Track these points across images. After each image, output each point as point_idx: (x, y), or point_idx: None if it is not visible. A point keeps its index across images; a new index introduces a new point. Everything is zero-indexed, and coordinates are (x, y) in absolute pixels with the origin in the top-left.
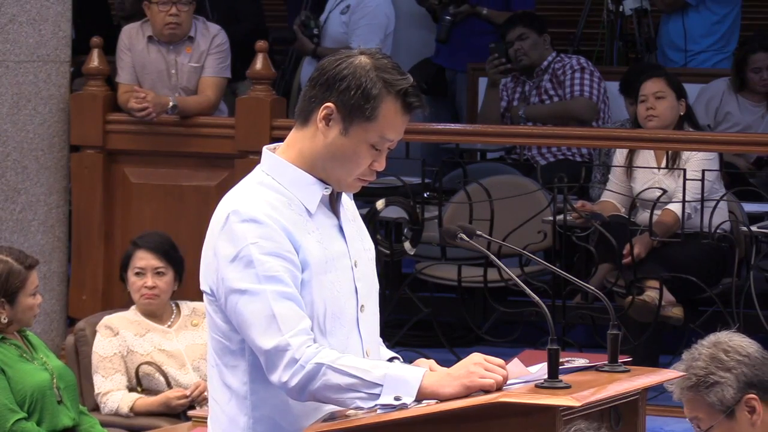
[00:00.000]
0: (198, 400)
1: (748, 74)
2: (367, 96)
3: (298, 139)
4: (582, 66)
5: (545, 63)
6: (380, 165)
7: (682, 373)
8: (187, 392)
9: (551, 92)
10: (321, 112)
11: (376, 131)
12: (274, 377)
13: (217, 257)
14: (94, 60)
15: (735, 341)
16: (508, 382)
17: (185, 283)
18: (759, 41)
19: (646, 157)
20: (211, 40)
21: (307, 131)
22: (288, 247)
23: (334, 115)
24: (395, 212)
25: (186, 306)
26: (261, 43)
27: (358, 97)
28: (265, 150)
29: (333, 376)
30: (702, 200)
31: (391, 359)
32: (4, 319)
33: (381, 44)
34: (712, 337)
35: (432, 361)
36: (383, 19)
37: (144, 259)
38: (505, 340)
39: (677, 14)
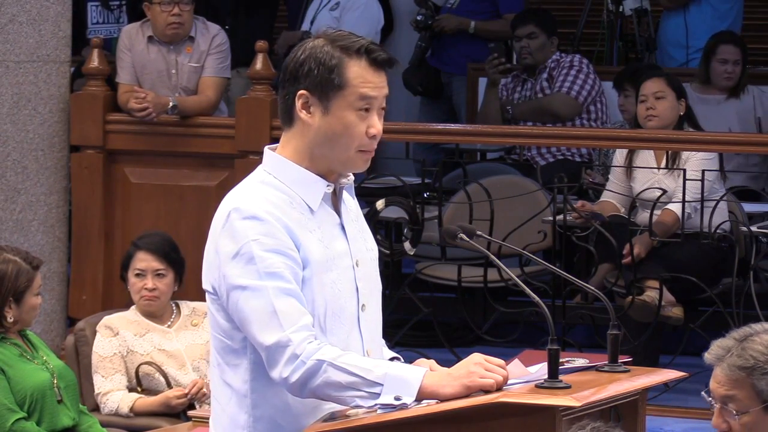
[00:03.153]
0: (197, 398)
1: (714, 64)
2: (330, 68)
3: (289, 138)
4: (573, 64)
5: (547, 62)
6: (376, 128)
7: (683, 374)
8: (186, 390)
9: (547, 90)
10: (298, 103)
11: (352, 95)
12: (275, 373)
13: (218, 255)
14: (94, 60)
15: None
16: (508, 382)
17: (185, 283)
18: (732, 34)
19: (646, 157)
20: (211, 40)
21: (295, 129)
22: (289, 244)
23: (311, 100)
24: (395, 212)
25: (186, 306)
26: (261, 43)
27: (322, 72)
28: (267, 149)
29: (334, 373)
30: (702, 200)
31: (391, 359)
32: (10, 318)
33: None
34: (765, 324)
35: (432, 361)
36: (374, 14)
37: (144, 260)
38: (505, 340)
39: (678, 10)
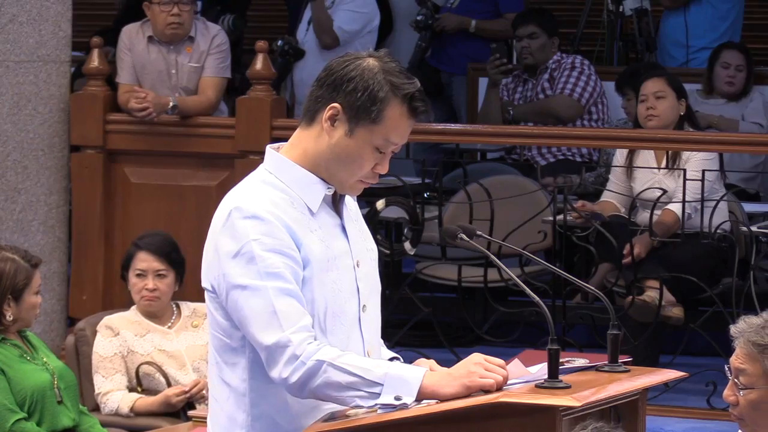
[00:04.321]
0: (197, 397)
1: (717, 69)
2: (374, 98)
3: (302, 138)
4: (574, 65)
5: (548, 62)
6: (383, 168)
7: (683, 374)
8: (186, 388)
9: (548, 91)
10: (327, 113)
11: (381, 134)
12: (275, 373)
13: (218, 253)
14: (94, 60)
15: None
16: (508, 382)
17: (185, 283)
18: (737, 43)
19: (646, 157)
20: (211, 40)
21: (312, 131)
22: (290, 244)
23: (340, 116)
24: (395, 212)
25: (186, 307)
26: (261, 44)
27: (364, 99)
28: (269, 149)
29: (334, 373)
30: (702, 200)
31: (391, 359)
32: (10, 316)
33: (362, 34)
34: None
35: (432, 361)
36: (367, 11)
37: (145, 261)
38: (505, 340)
39: (679, 10)
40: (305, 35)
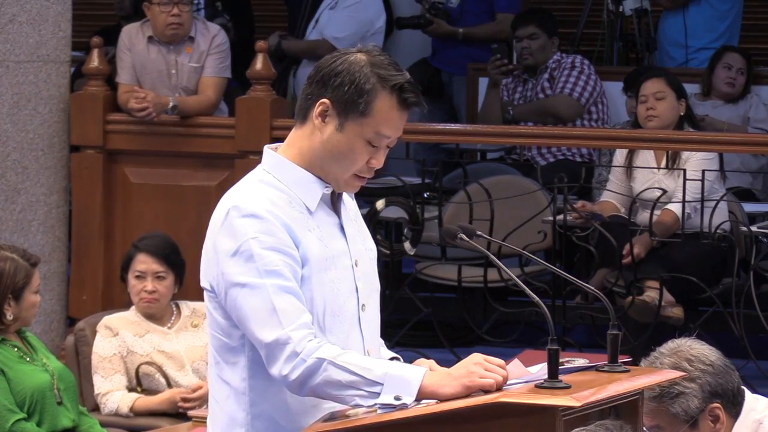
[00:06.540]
0: (199, 404)
1: (718, 70)
2: (361, 91)
3: (297, 137)
4: (574, 65)
5: (548, 62)
6: (378, 162)
7: (681, 373)
8: (192, 396)
9: (548, 91)
10: (317, 109)
11: (371, 127)
12: (275, 370)
13: (217, 252)
14: (94, 60)
15: (696, 349)
16: (508, 382)
17: (186, 283)
18: (741, 47)
19: (646, 157)
20: (211, 40)
21: (306, 129)
22: (288, 242)
23: (330, 111)
24: (395, 212)
25: (186, 306)
26: (261, 44)
27: (351, 92)
28: (266, 149)
29: (334, 372)
30: (702, 200)
31: (391, 359)
32: (10, 315)
33: (359, 38)
34: (670, 345)
35: (432, 361)
36: (368, 15)
37: (145, 263)
38: (505, 340)
39: (678, 10)
40: (310, 34)
